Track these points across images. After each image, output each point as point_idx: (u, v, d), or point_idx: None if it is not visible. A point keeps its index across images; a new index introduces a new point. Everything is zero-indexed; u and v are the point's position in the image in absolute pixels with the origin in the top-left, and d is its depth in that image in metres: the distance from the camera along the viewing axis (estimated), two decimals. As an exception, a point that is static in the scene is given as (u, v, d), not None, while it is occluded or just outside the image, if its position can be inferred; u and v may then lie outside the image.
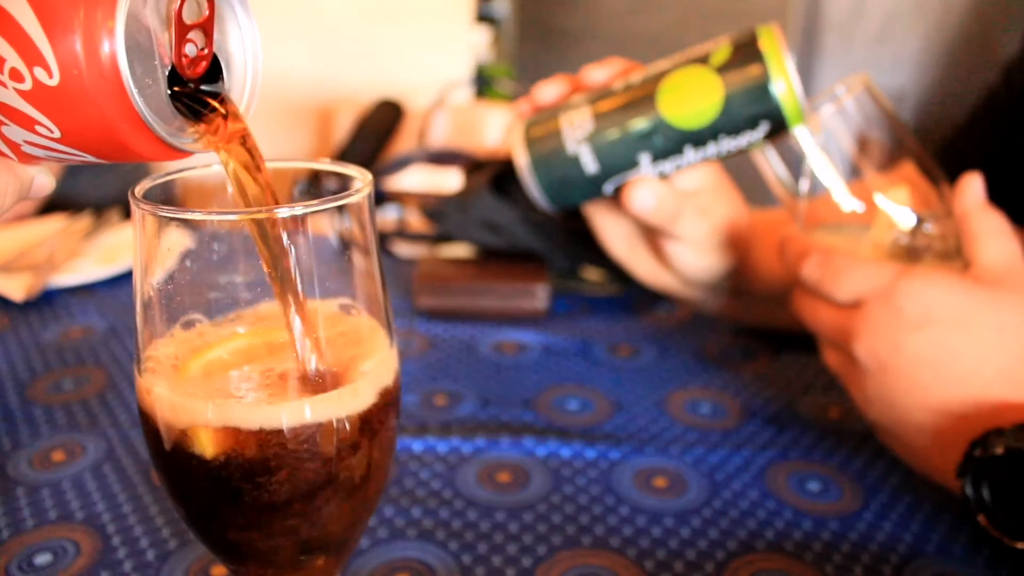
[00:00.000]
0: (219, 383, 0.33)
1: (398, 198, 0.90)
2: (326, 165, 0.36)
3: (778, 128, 0.55)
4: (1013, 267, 0.49)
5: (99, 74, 0.27)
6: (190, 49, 0.30)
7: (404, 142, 1.84)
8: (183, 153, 0.31)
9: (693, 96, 0.55)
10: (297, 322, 0.32)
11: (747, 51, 0.54)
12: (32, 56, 0.26)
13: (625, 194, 0.58)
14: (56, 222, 0.95)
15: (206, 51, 0.31)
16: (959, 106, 0.86)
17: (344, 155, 1.79)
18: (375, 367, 0.34)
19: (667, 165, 0.58)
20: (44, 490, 0.51)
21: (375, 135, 1.81)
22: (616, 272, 0.74)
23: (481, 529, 0.48)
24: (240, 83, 0.33)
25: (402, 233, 0.90)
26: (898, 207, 0.53)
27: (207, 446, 0.31)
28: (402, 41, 2.19)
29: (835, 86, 0.55)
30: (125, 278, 0.85)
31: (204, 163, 0.34)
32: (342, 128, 1.92)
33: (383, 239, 0.90)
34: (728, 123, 0.55)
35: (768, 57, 0.54)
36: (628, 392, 0.64)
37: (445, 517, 0.49)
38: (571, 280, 0.84)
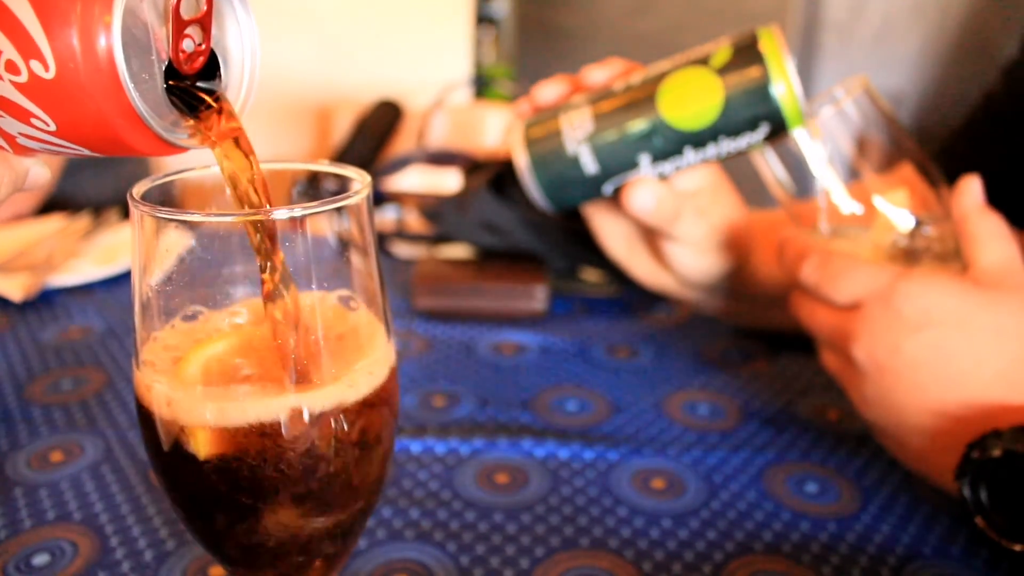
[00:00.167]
0: (216, 379, 0.33)
1: (397, 198, 0.89)
2: (325, 166, 0.36)
3: (778, 130, 0.55)
4: (1011, 269, 0.49)
5: (95, 68, 0.26)
6: (187, 44, 0.30)
7: (403, 142, 1.84)
8: (178, 148, 0.30)
9: (693, 97, 0.55)
10: (294, 320, 0.32)
11: (747, 53, 0.54)
12: (28, 49, 0.26)
13: (624, 195, 0.58)
14: (55, 222, 0.95)
15: (203, 47, 0.31)
16: (958, 108, 0.86)
17: (343, 155, 1.79)
18: (374, 365, 0.34)
19: (667, 166, 0.58)
20: (42, 490, 0.51)
21: (374, 135, 1.81)
22: (615, 273, 0.74)
23: (479, 530, 0.48)
24: (237, 79, 0.33)
25: (401, 234, 0.90)
26: (897, 209, 0.53)
27: (204, 443, 0.31)
28: (402, 41, 2.19)
29: (834, 88, 0.55)
30: (123, 278, 0.85)
31: (203, 164, 0.34)
32: (341, 128, 1.92)
33: (382, 240, 0.90)
34: (728, 124, 0.55)
35: (768, 59, 0.54)
36: (626, 393, 0.64)
37: (443, 518, 0.49)
38: (570, 281, 0.84)
